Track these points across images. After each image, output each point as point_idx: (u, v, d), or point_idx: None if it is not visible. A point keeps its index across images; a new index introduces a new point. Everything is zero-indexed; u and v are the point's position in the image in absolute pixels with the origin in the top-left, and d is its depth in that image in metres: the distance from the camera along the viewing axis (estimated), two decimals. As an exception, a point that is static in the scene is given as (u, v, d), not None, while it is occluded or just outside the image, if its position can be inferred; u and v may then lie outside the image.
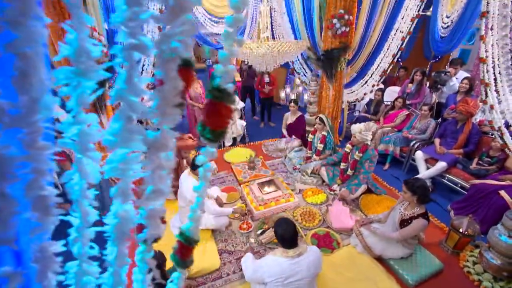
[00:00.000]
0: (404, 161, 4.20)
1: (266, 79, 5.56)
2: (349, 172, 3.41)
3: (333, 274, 2.36)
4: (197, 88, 4.73)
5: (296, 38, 4.35)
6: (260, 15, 2.47)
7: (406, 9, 3.48)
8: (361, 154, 3.25)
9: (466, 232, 2.48)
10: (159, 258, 1.99)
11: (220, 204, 3.19)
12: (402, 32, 3.61)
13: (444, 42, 4.46)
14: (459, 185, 3.45)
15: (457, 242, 2.57)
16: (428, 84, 4.78)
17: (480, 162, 3.41)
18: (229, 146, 4.93)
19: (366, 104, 5.18)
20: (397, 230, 2.39)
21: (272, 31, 2.72)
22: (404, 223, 2.34)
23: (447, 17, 4.37)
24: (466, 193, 3.26)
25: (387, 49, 3.81)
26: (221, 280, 2.42)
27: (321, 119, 3.74)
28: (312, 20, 4.18)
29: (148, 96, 0.63)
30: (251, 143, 5.01)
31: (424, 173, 3.75)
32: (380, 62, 3.94)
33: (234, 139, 5.09)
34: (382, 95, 4.93)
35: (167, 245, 2.85)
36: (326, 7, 3.94)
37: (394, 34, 3.67)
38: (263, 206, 3.16)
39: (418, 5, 3.41)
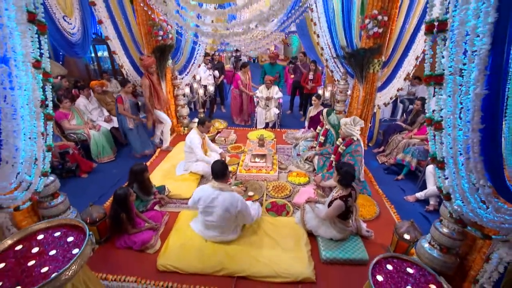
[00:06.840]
0: (419, 175, 3.81)
1: (310, 76, 5.86)
2: (334, 164, 3.53)
3: (262, 230, 2.77)
4: (246, 79, 5.71)
5: (332, 37, 4.55)
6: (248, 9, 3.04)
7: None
8: (344, 148, 3.35)
9: (403, 236, 2.39)
10: (143, 168, 2.99)
11: (223, 157, 3.96)
12: (428, 33, 3.32)
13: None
14: (461, 209, 3.00)
15: (396, 245, 2.48)
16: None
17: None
18: (260, 128, 5.62)
19: (405, 113, 4.76)
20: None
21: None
22: (330, 204, 2.52)
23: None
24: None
25: (413, 51, 3.56)
26: (186, 205, 3.25)
27: (322, 113, 3.94)
28: (351, 19, 4.27)
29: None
30: (278, 130, 5.53)
31: (430, 188, 3.38)
32: (406, 65, 3.70)
33: (267, 123, 5.72)
34: (423, 105, 4.43)
35: (172, 178, 3.86)
36: (366, 7, 4.01)
37: (422, 36, 3.41)
38: (246, 170, 3.76)
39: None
